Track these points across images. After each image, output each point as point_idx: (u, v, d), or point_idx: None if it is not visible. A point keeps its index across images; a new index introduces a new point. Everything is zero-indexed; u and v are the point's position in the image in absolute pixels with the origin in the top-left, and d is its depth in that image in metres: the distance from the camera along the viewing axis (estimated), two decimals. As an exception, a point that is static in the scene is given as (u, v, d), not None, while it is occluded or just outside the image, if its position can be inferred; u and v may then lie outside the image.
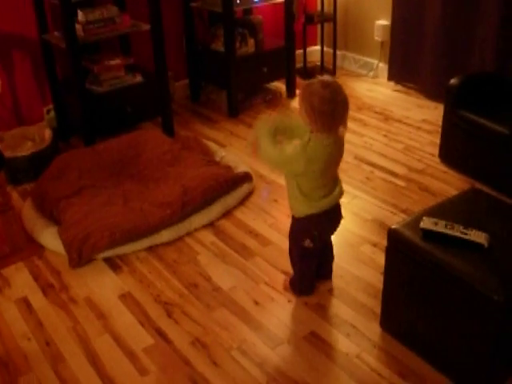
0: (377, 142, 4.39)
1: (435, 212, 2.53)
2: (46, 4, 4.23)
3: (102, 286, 3.06)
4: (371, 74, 5.67)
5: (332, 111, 2.39)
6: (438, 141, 4.11)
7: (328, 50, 5.83)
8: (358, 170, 3.98)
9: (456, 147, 3.92)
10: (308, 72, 5.68)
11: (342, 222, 2.76)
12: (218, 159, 4.06)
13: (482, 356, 2.24)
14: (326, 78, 2.51)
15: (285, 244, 3.28)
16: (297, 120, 2.61)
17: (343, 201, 2.76)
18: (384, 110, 4.95)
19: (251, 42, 4.94)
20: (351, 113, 4.33)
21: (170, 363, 2.55)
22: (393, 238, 2.48)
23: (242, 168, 3.88)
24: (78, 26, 4.00)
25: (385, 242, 2.53)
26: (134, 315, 2.83)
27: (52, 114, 4.61)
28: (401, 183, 3.84)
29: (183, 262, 3.19)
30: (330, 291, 2.93)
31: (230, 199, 3.63)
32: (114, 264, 3.21)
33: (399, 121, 4.74)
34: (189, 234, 3.41)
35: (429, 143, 4.33)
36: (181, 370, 2.51)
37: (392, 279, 2.56)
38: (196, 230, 3.44)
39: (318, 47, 5.94)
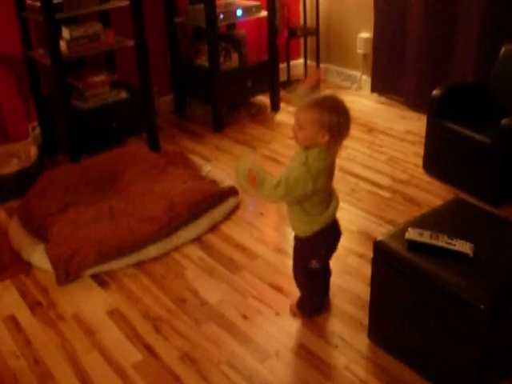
0: (361, 154, 4.42)
1: (420, 223, 2.55)
2: (30, 21, 4.24)
3: (89, 302, 3.05)
4: (354, 86, 5.71)
5: (339, 123, 2.39)
6: (421, 151, 4.15)
7: (311, 63, 5.87)
8: (343, 182, 4.01)
9: (439, 157, 3.97)
10: (292, 85, 5.71)
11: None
12: (203, 174, 4.07)
13: (469, 364, 2.26)
14: (329, 92, 2.49)
15: (271, 257, 3.31)
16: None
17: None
18: (368, 121, 4.99)
19: (235, 56, 4.97)
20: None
21: (159, 379, 2.55)
22: (379, 250, 2.50)
23: (227, 182, 3.90)
24: (62, 43, 4.02)
25: (371, 254, 2.55)
26: (122, 331, 2.83)
27: (37, 130, 4.60)
28: (386, 194, 3.87)
29: (171, 278, 3.19)
30: (318, 303, 2.95)
31: (217, 214, 3.64)
32: (101, 280, 3.21)
33: (383, 132, 4.78)
34: (176, 249, 3.42)
35: (413, 154, 4.36)
36: (170, 386, 2.52)
37: (379, 290, 2.57)
38: (183, 244, 3.45)
39: (301, 60, 5.98)
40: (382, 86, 5.40)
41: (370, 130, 4.82)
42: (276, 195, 2.43)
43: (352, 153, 4.42)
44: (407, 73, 5.08)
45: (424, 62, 4.88)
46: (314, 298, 2.85)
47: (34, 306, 3.05)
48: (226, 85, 4.87)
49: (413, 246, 2.39)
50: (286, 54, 5.54)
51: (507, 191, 3.65)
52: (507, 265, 2.31)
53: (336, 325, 2.80)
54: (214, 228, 3.60)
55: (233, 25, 5.22)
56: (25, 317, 2.98)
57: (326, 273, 2.89)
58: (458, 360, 2.30)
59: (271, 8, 4.95)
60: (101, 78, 4.35)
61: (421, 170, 4.13)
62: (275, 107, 5.30)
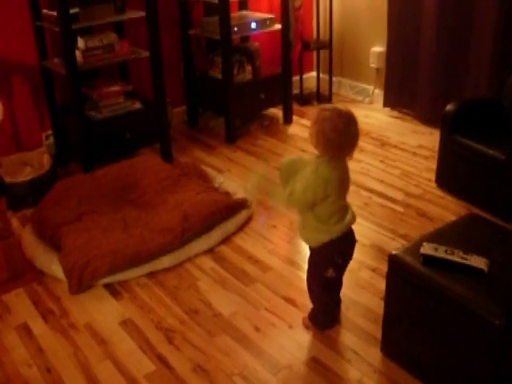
0: (374, 168, 4.43)
1: (434, 237, 2.55)
2: (45, 30, 4.27)
3: (102, 312, 3.06)
4: (367, 100, 5.72)
5: (340, 142, 2.40)
6: (434, 166, 4.15)
7: (324, 76, 5.88)
8: (356, 196, 4.01)
9: (453, 172, 3.96)
10: (304, 98, 5.73)
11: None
12: (216, 185, 4.08)
13: (483, 380, 2.25)
14: (342, 106, 2.47)
15: (284, 269, 3.31)
16: (289, 159, 2.64)
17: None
18: (380, 135, 4.99)
19: (248, 68, 4.99)
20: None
21: (171, 390, 2.55)
22: (393, 264, 2.49)
23: (240, 194, 3.91)
24: (77, 53, 4.05)
25: (383, 267, 2.55)
26: (134, 341, 2.83)
27: (51, 139, 4.63)
28: (399, 209, 3.87)
29: (183, 288, 3.20)
30: (331, 317, 2.94)
31: (230, 225, 3.64)
32: (114, 290, 3.21)
33: (395, 146, 4.78)
34: (189, 260, 3.42)
35: (425, 169, 4.36)
36: (183, 397, 2.52)
37: (393, 304, 2.57)
38: (196, 255, 3.45)
39: (314, 74, 5.99)
40: (395, 100, 5.41)
41: (383, 144, 4.82)
42: (290, 202, 2.53)
43: (365, 167, 4.42)
44: (420, 87, 5.08)
45: (437, 77, 4.89)
46: (327, 311, 2.85)
47: (46, 315, 3.06)
48: (240, 97, 4.89)
49: (428, 260, 2.39)
50: (298, 67, 5.55)
51: (520, 207, 3.64)
52: (523, 281, 2.31)
53: (349, 338, 2.79)
54: (226, 240, 3.60)
55: (246, 37, 5.25)
56: (37, 325, 2.98)
57: (339, 286, 2.89)
58: (472, 376, 2.29)
59: (285, 21, 4.98)
60: (115, 88, 4.37)
61: (433, 184, 4.12)
62: (288, 120, 5.31)
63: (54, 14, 3.95)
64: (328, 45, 5.66)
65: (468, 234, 2.63)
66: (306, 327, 2.87)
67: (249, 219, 3.79)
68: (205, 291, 3.17)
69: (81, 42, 4.09)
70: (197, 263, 3.40)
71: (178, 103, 5.27)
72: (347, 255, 2.73)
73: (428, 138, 4.86)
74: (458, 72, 4.76)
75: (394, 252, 2.51)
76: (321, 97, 5.83)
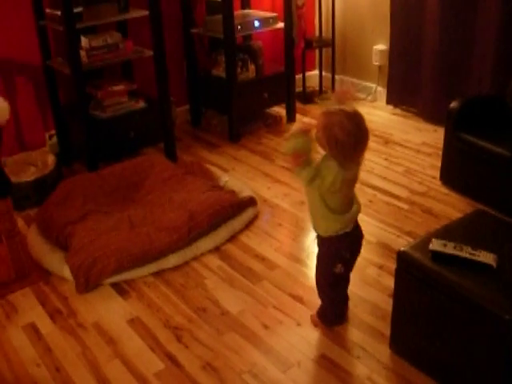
0: (378, 166, 4.43)
1: (443, 234, 2.55)
2: (48, 30, 4.27)
3: (110, 311, 3.06)
4: (370, 97, 5.72)
5: (355, 144, 2.38)
6: (438, 163, 4.15)
7: (327, 74, 5.89)
8: (361, 194, 4.00)
9: (457, 170, 3.96)
10: (307, 97, 5.74)
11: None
12: (221, 184, 4.08)
13: (493, 376, 2.26)
14: (349, 108, 2.43)
15: (291, 267, 3.31)
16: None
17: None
18: (384, 133, 4.99)
19: (252, 67, 4.99)
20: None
21: (181, 388, 2.56)
22: (402, 260, 2.50)
23: (246, 192, 3.91)
24: (81, 52, 4.05)
25: (390, 264, 2.56)
26: (143, 340, 2.83)
27: (54, 139, 4.62)
28: (403, 206, 3.87)
29: (191, 287, 3.20)
30: (338, 314, 2.95)
31: (236, 224, 3.64)
32: (121, 289, 3.21)
33: (399, 144, 4.78)
34: (195, 258, 3.43)
35: (429, 166, 4.36)
36: (192, 395, 2.52)
37: (401, 301, 2.57)
38: (202, 254, 3.46)
39: (316, 72, 6.00)
40: (398, 97, 5.41)
41: (386, 141, 4.83)
42: (311, 187, 2.50)
43: (369, 164, 4.42)
44: (423, 85, 5.08)
45: (440, 74, 4.89)
46: (335, 307, 2.85)
47: (53, 314, 3.05)
48: (243, 95, 4.89)
49: (437, 256, 2.39)
50: (301, 65, 5.55)
51: (526, 203, 3.64)
52: (532, 276, 2.31)
53: (357, 335, 2.80)
54: (233, 238, 3.60)
55: (249, 36, 5.24)
56: (45, 325, 2.98)
57: (347, 282, 2.89)
58: (482, 371, 2.29)
59: (288, 19, 4.98)
60: (119, 87, 4.37)
61: (438, 181, 4.13)
62: (291, 118, 5.31)
63: (58, 13, 3.95)
64: (330, 43, 5.67)
65: (476, 230, 2.64)
66: (315, 324, 2.87)
67: (255, 218, 3.80)
68: (212, 289, 3.17)
69: (84, 42, 4.08)
70: (203, 262, 3.40)
71: (181, 102, 5.26)
72: (355, 250, 2.73)
73: (431, 136, 4.86)
74: (461, 69, 4.76)
75: (402, 248, 2.51)
76: (323, 95, 5.83)
